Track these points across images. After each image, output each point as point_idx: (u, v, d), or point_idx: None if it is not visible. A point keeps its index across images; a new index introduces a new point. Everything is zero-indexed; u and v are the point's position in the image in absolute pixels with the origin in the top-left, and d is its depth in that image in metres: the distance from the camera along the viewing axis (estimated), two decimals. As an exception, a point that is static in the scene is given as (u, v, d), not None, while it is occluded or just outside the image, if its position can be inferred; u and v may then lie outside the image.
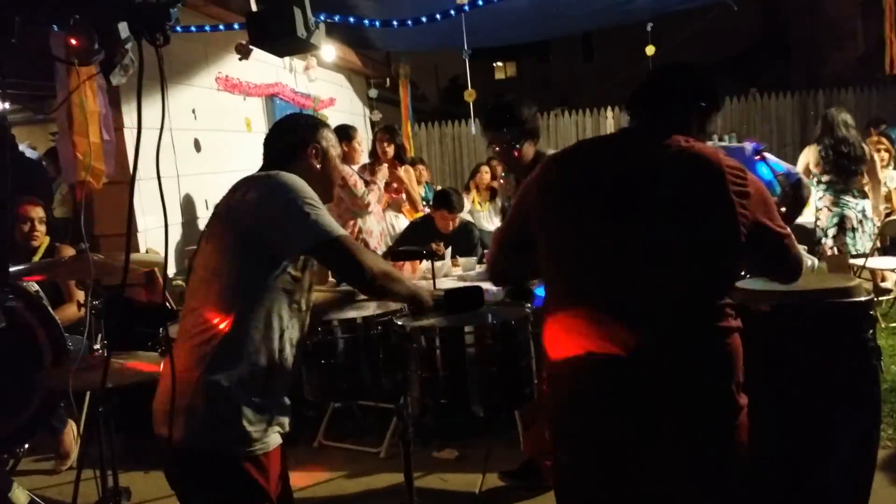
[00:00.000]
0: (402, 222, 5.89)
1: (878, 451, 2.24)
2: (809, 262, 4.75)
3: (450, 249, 4.97)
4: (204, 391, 1.89)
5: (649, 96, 1.95)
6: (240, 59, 6.02)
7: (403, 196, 5.88)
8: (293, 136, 2.20)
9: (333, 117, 8.69)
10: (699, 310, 1.75)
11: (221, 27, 5.95)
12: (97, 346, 3.15)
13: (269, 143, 2.22)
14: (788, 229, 1.89)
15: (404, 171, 5.87)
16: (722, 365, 1.76)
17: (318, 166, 2.18)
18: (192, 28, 5.73)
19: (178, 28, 5.21)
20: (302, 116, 2.46)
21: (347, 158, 5.04)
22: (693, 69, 1.97)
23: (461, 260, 4.89)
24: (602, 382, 1.77)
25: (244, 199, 1.99)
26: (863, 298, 2.17)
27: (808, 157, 5.90)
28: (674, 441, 1.74)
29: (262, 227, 1.94)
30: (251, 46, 5.08)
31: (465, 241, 5.25)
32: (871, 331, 2.13)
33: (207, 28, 5.86)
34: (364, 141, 5.61)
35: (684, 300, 1.73)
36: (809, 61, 17.79)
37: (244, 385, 1.92)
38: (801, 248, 5.46)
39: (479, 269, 4.74)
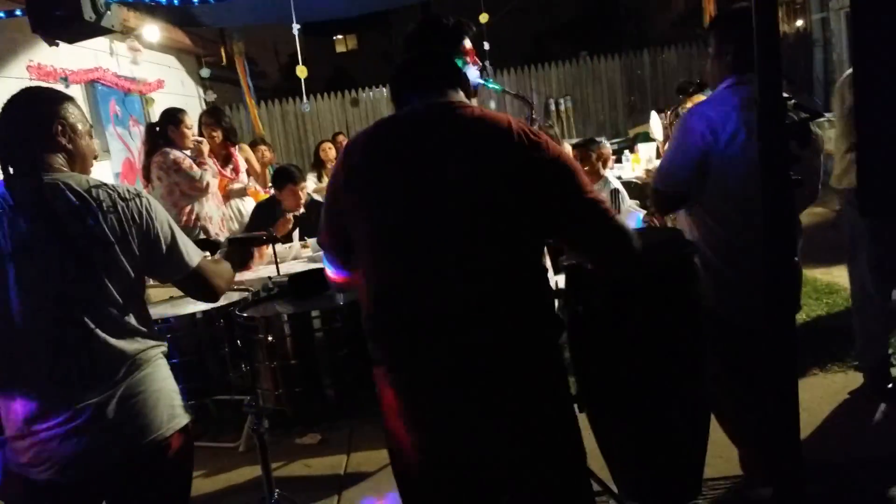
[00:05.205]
0: (249, 205, 5.63)
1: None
2: (643, 213, 4.99)
3: (297, 232, 4.83)
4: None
5: (430, 68, 1.91)
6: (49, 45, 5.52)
7: (244, 177, 5.63)
8: (35, 117, 1.93)
9: (164, 100, 8.23)
10: (507, 284, 1.72)
11: (18, 12, 5.39)
12: None
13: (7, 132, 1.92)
14: (603, 197, 1.83)
15: (239, 150, 5.64)
16: (533, 346, 1.78)
17: (69, 145, 1.96)
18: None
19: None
20: (37, 91, 2.06)
21: (177, 143, 4.78)
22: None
23: (311, 241, 4.76)
24: (422, 369, 1.82)
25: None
26: (687, 249, 2.28)
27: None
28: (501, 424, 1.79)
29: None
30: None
31: (314, 220, 5.10)
32: (695, 279, 2.24)
33: (18, 12, 5.32)
34: (196, 124, 5.27)
35: (490, 273, 1.71)
36: (637, 24, 18.70)
37: None
38: (633, 202, 5.68)
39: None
